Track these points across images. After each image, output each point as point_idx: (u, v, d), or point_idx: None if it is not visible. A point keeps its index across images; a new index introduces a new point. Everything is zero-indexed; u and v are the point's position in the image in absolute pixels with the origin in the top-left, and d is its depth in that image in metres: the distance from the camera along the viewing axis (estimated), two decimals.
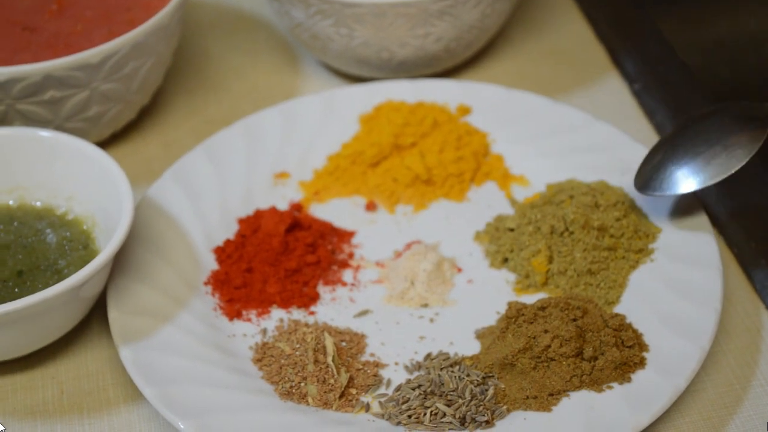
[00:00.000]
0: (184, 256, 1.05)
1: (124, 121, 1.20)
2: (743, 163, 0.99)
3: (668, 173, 1.01)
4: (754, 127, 1.00)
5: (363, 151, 1.14)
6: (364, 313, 1.02)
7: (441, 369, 0.95)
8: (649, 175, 1.02)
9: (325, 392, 0.94)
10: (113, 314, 0.98)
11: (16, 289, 0.99)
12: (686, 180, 1.01)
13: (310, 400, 0.94)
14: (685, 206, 1.05)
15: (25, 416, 0.97)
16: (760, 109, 1.01)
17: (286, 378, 0.95)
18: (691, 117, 1.04)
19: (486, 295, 1.03)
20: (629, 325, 0.96)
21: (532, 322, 0.95)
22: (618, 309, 0.99)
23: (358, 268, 1.07)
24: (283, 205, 1.11)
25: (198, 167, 1.12)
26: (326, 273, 1.06)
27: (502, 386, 0.93)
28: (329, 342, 0.97)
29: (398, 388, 0.95)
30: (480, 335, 0.99)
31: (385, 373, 0.97)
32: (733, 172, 0.99)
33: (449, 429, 0.91)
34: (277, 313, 1.02)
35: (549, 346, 0.93)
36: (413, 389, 0.94)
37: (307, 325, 1.00)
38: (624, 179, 1.08)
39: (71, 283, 0.92)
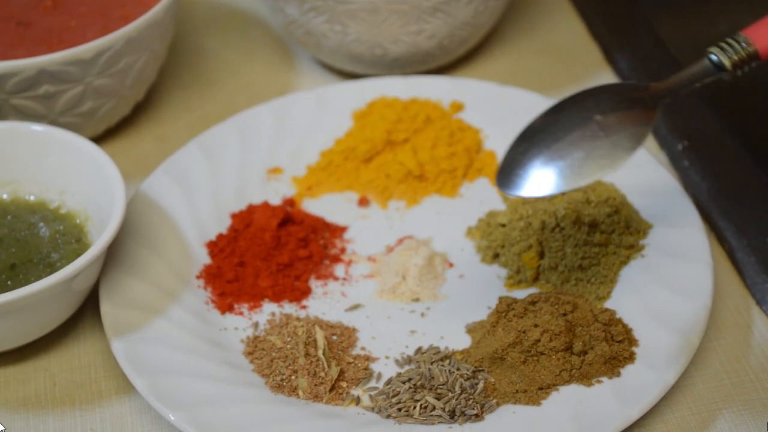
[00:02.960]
0: (176, 250, 1.05)
1: (119, 117, 1.20)
2: (631, 154, 0.89)
3: (536, 170, 0.90)
4: (638, 113, 0.91)
5: (356, 147, 1.14)
6: (355, 307, 1.03)
7: (431, 363, 0.95)
8: (516, 172, 0.91)
9: (315, 385, 0.95)
10: (105, 307, 0.99)
11: (9, 282, 0.99)
12: (561, 178, 0.89)
13: (300, 393, 0.95)
14: (676, 202, 1.05)
15: (17, 408, 0.97)
16: (643, 91, 0.93)
17: (277, 371, 0.96)
18: (562, 102, 0.93)
19: (477, 290, 1.03)
20: (619, 320, 0.96)
21: (522, 317, 0.95)
22: (608, 304, 0.99)
23: (350, 262, 1.07)
24: (275, 200, 1.12)
25: (191, 162, 1.12)
26: (318, 267, 1.06)
27: (492, 380, 0.94)
28: (320, 335, 0.97)
29: (388, 382, 0.95)
30: (471, 330, 0.99)
31: (375, 367, 0.97)
32: (620, 165, 0.89)
33: (439, 422, 0.91)
34: (269, 307, 1.03)
35: (539, 341, 0.93)
36: (403, 383, 0.94)
37: (298, 318, 1.01)
38: (615, 175, 1.08)
39: (63, 276, 0.92)
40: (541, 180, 0.90)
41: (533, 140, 0.92)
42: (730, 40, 0.93)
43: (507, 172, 0.91)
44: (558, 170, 0.89)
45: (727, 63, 0.92)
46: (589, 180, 0.89)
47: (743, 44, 0.92)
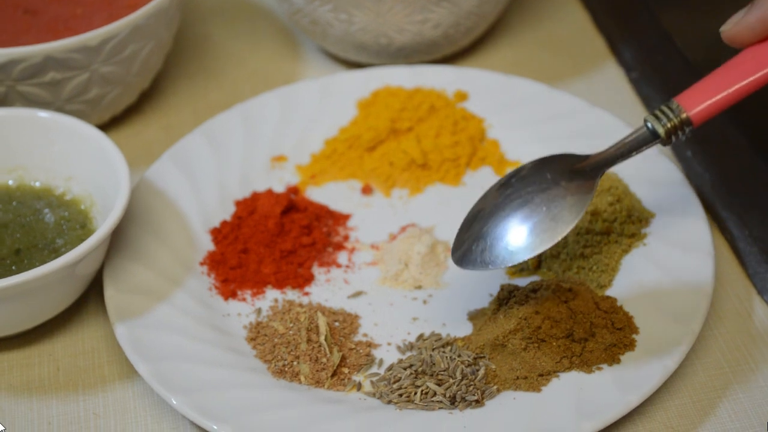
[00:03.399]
0: (180, 237, 1.06)
1: (124, 105, 1.21)
2: (572, 227, 0.90)
3: (489, 245, 0.92)
4: (579, 183, 0.93)
5: (360, 135, 1.15)
6: (358, 294, 1.03)
7: (433, 349, 0.96)
8: (468, 246, 0.93)
9: (317, 371, 0.95)
10: (109, 293, 0.99)
11: (14, 267, 1.00)
12: (509, 253, 0.91)
13: (302, 378, 0.95)
14: (678, 192, 1.05)
15: (21, 392, 0.98)
16: (584, 161, 0.95)
17: (279, 357, 0.96)
18: (510, 177, 0.95)
19: (479, 277, 1.03)
20: (620, 308, 0.97)
21: (523, 304, 0.95)
22: (610, 292, 1.00)
23: (353, 250, 1.07)
24: (279, 188, 1.12)
25: (196, 149, 1.13)
26: (321, 255, 1.06)
27: (493, 366, 0.94)
28: (322, 321, 0.98)
29: (390, 368, 0.96)
30: (472, 317, 1.00)
31: (377, 353, 0.98)
32: (559, 239, 0.90)
33: (439, 408, 0.92)
34: (272, 294, 1.03)
35: (540, 327, 0.93)
36: (405, 369, 0.94)
37: (301, 305, 1.01)
38: (619, 165, 1.08)
39: (67, 260, 0.93)
40: (488, 257, 0.92)
41: (481, 217, 0.94)
42: (664, 107, 0.93)
43: (460, 250, 0.93)
44: (504, 246, 0.91)
45: (660, 131, 0.92)
46: (531, 254, 0.90)
47: (676, 111, 0.92)
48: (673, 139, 0.92)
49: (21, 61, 1.07)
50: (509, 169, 1.13)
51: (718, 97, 0.92)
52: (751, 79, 0.91)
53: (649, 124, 0.93)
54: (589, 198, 0.92)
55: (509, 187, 0.94)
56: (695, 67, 1.15)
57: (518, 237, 0.91)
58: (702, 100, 0.92)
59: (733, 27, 0.92)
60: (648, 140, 0.93)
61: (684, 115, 0.92)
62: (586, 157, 0.95)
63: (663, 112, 0.92)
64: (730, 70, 0.92)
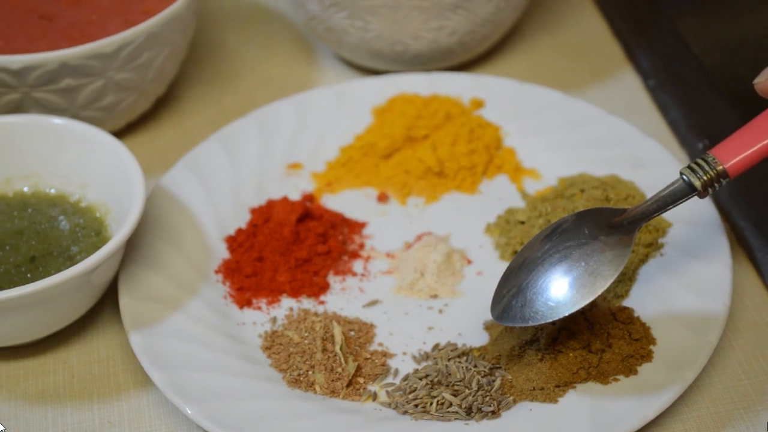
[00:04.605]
0: (195, 245, 1.06)
1: (140, 111, 1.20)
2: (610, 282, 0.90)
3: (528, 300, 0.92)
4: (617, 238, 0.93)
5: (375, 143, 1.15)
6: (373, 303, 1.03)
7: (448, 359, 0.95)
8: (508, 302, 0.93)
9: (332, 381, 0.95)
10: (124, 301, 0.99)
11: (29, 275, 1.00)
12: (549, 309, 0.91)
13: (317, 388, 0.95)
14: (695, 202, 1.05)
15: (36, 401, 0.98)
16: (622, 215, 0.94)
17: (294, 366, 0.96)
18: (552, 230, 0.95)
19: (495, 287, 1.03)
20: (637, 319, 0.96)
21: None
22: (627, 302, 0.99)
23: (368, 258, 1.07)
24: (295, 196, 1.12)
25: (211, 157, 1.12)
26: (336, 263, 1.06)
27: (509, 377, 0.94)
28: (337, 331, 0.97)
29: (405, 378, 0.95)
30: (488, 327, 0.99)
31: (392, 363, 0.97)
32: (599, 294, 0.90)
33: (455, 419, 0.91)
34: (287, 302, 1.03)
35: (556, 338, 0.93)
36: (420, 379, 0.94)
37: (316, 314, 1.01)
38: (635, 174, 1.08)
39: (82, 268, 0.93)
40: (528, 312, 0.91)
41: (519, 274, 0.94)
42: (699, 161, 0.92)
43: (500, 305, 0.94)
44: (544, 302, 0.91)
45: (697, 184, 0.92)
46: (571, 310, 0.90)
47: (712, 164, 0.91)
48: (710, 191, 0.92)
49: (36, 67, 1.07)
50: (526, 178, 1.12)
51: (754, 149, 0.91)
52: None
53: (686, 177, 0.92)
54: (628, 252, 0.91)
55: (549, 241, 0.94)
56: (712, 74, 1.15)
57: (558, 292, 0.91)
58: (738, 153, 0.92)
59: (766, 80, 0.92)
60: (685, 193, 0.93)
61: (720, 168, 0.91)
62: (624, 210, 0.94)
63: (699, 165, 0.92)
64: (764, 121, 0.92)
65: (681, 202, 0.93)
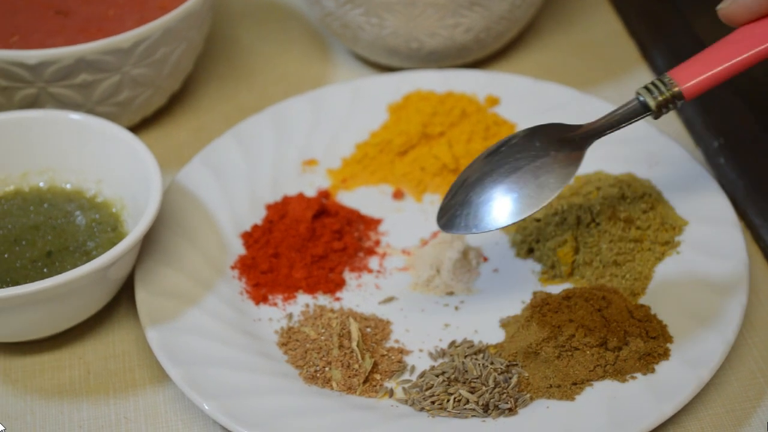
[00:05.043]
0: (211, 241, 1.06)
1: (155, 107, 1.20)
2: (556, 193, 0.91)
3: (473, 210, 0.93)
4: (567, 153, 0.93)
5: (391, 140, 1.15)
6: (389, 300, 1.03)
7: (465, 356, 0.95)
8: (454, 212, 0.94)
9: (349, 377, 0.95)
10: (141, 296, 0.99)
11: (45, 269, 1.00)
12: (492, 219, 0.92)
13: (334, 384, 0.95)
14: (711, 199, 1.05)
15: (52, 395, 0.98)
16: (575, 131, 0.95)
17: (311, 362, 0.96)
18: (499, 145, 0.96)
19: (511, 284, 1.03)
20: (654, 316, 0.96)
21: (556, 312, 0.95)
22: (643, 300, 0.99)
23: (384, 255, 1.07)
24: (310, 192, 1.12)
25: (227, 153, 1.12)
26: (352, 260, 1.06)
27: (526, 374, 0.94)
28: (354, 327, 0.97)
29: (422, 375, 0.95)
30: (505, 324, 0.99)
31: (409, 360, 0.97)
32: (544, 204, 0.91)
33: (472, 416, 0.91)
34: (303, 299, 1.03)
35: (573, 336, 0.93)
36: (437, 376, 0.94)
37: (332, 310, 1.01)
38: (651, 172, 1.08)
39: (99, 264, 0.93)
40: (472, 221, 0.93)
41: (468, 184, 0.94)
42: (656, 81, 0.93)
43: (446, 216, 0.95)
44: (488, 211, 0.92)
45: (652, 104, 0.93)
46: (514, 220, 0.91)
47: (668, 85, 0.93)
48: (664, 111, 0.93)
49: (53, 62, 1.07)
50: None
51: (711, 72, 0.93)
52: (745, 56, 0.93)
53: (641, 97, 0.94)
54: (576, 167, 0.92)
55: (498, 154, 0.95)
56: None
57: (503, 203, 0.92)
58: (694, 75, 0.93)
59: (729, 5, 0.93)
60: (639, 112, 0.94)
61: (676, 89, 0.93)
62: (578, 126, 0.95)
63: (656, 86, 0.93)
64: (724, 46, 0.93)
65: (634, 121, 0.95)
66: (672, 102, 0.93)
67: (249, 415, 0.90)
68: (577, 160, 0.93)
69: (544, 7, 1.34)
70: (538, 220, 1.06)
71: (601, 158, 1.11)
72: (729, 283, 0.98)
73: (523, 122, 1.16)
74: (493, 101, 1.18)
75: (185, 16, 1.12)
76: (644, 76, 1.27)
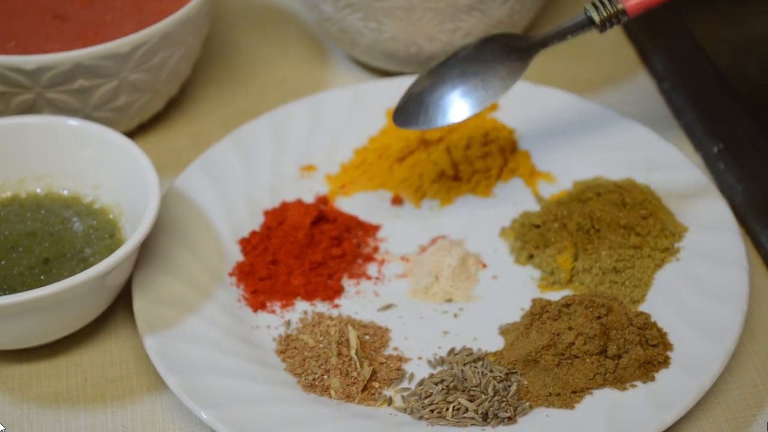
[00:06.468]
0: (209, 247, 1.05)
1: (152, 112, 1.20)
2: (501, 95, 1.01)
3: (426, 106, 1.02)
4: (515, 59, 1.01)
5: (390, 146, 1.14)
6: (388, 307, 1.03)
7: (464, 364, 0.95)
8: (409, 108, 1.03)
9: (347, 385, 0.94)
10: (138, 304, 0.98)
11: (42, 277, 1.00)
12: (442, 116, 1.01)
13: (332, 392, 0.94)
14: (711, 206, 1.05)
15: (49, 403, 0.97)
16: (524, 41, 1.03)
17: (309, 370, 0.96)
18: (453, 54, 1.04)
19: (510, 291, 1.03)
20: (654, 324, 0.96)
21: (556, 319, 0.95)
22: (643, 308, 0.99)
23: (382, 262, 1.07)
24: (309, 198, 1.12)
25: (225, 158, 1.12)
26: (351, 266, 1.06)
27: (525, 383, 0.93)
28: (353, 335, 0.97)
29: (421, 383, 0.95)
30: (504, 331, 0.99)
31: (408, 368, 0.97)
32: (487, 105, 1.00)
33: (471, 424, 0.91)
34: (302, 306, 1.03)
35: (573, 344, 0.93)
36: (436, 384, 0.94)
37: (330, 318, 1.01)
38: (651, 177, 1.08)
39: (97, 272, 0.92)
40: (424, 118, 1.02)
41: (422, 86, 1.03)
42: None
43: (404, 116, 1.03)
44: (439, 108, 1.01)
45: (596, 18, 1.00)
46: (462, 117, 1.01)
47: (614, 2, 0.99)
48: (608, 26, 1.00)
49: (50, 68, 1.06)
50: (540, 182, 1.12)
51: None
52: None
53: (588, 12, 1.00)
54: (521, 73, 1.01)
55: (455, 57, 1.03)
56: (726, 77, 1.14)
57: (452, 101, 1.01)
58: None
59: None
60: (584, 25, 1.01)
61: (620, 6, 0.99)
62: (527, 36, 1.03)
63: (602, 2, 1.00)
64: None
65: (580, 33, 1.01)
66: (616, 17, 0.99)
67: (247, 424, 0.90)
68: (523, 68, 1.01)
69: (542, 12, 1.34)
70: (538, 227, 1.06)
71: (601, 164, 1.10)
72: (729, 289, 0.97)
73: (523, 127, 1.16)
74: (492, 106, 1.18)
75: (183, 20, 1.12)
76: (643, 80, 1.27)
